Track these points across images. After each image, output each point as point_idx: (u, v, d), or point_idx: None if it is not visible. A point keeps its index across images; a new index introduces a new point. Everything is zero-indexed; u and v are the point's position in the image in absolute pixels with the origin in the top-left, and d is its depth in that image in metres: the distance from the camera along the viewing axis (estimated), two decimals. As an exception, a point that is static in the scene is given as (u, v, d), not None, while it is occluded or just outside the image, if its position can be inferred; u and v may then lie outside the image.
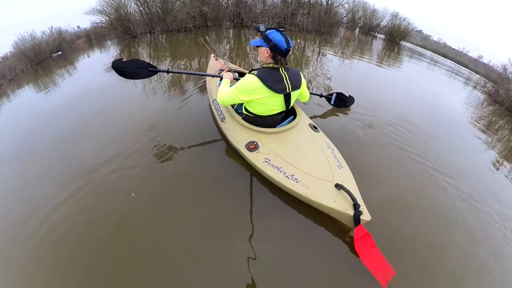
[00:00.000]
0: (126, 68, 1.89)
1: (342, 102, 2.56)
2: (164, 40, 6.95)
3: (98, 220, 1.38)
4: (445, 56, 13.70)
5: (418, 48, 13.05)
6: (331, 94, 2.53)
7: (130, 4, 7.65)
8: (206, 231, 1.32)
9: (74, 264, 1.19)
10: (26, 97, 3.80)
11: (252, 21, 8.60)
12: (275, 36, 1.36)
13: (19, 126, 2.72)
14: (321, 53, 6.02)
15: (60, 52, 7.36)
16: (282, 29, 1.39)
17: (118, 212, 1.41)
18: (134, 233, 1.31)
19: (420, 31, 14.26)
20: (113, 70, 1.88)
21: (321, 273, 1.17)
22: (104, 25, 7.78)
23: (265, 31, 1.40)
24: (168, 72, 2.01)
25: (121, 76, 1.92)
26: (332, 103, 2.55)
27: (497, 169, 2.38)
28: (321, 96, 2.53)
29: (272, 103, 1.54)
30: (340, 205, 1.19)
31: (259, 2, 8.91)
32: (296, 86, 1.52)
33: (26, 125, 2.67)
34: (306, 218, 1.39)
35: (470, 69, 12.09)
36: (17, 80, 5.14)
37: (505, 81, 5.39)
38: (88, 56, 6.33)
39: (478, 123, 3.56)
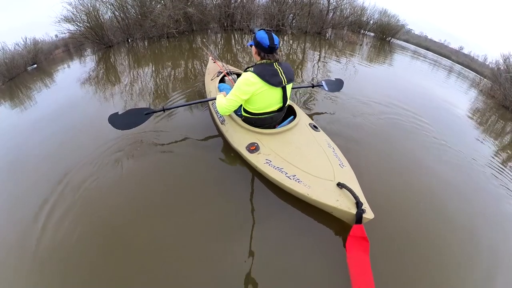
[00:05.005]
0: (124, 120, 1.88)
1: (333, 86, 2.71)
2: (144, 49, 6.46)
3: (99, 222, 1.38)
4: (427, 49, 14.10)
5: (403, 43, 13.34)
6: (321, 82, 2.66)
7: (106, 11, 6.92)
8: (208, 233, 1.32)
9: (75, 265, 1.18)
10: (1, 117, 3.45)
11: (247, 24, 8.01)
12: (259, 34, 1.45)
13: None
14: (321, 56, 6.00)
15: (35, 65, 6.92)
16: (270, 29, 1.48)
17: (119, 214, 1.42)
18: (134, 234, 1.31)
19: (403, 25, 14.60)
20: (112, 121, 1.83)
21: (325, 273, 1.15)
22: (76, 34, 7.01)
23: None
24: (164, 110, 1.98)
25: (121, 129, 1.89)
26: (326, 89, 2.65)
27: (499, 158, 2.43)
28: (313, 86, 2.59)
29: (270, 98, 1.56)
30: (342, 204, 1.18)
31: (251, 3, 8.25)
32: (290, 79, 1.56)
33: (6, 143, 2.48)
34: (308, 218, 1.37)
35: (452, 60, 12.47)
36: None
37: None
38: (69, 67, 5.98)
39: (484, 126, 3.59)
